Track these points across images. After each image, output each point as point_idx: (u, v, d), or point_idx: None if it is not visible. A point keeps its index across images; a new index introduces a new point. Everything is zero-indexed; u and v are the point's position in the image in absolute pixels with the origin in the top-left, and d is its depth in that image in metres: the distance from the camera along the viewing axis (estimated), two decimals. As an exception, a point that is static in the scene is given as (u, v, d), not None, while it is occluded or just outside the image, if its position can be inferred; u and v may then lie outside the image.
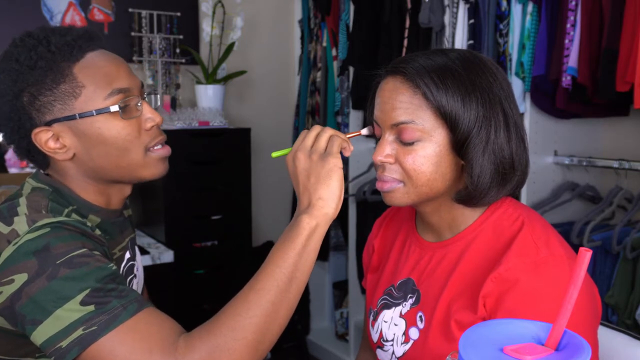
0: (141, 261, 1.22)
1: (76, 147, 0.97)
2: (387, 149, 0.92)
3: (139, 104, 1.00)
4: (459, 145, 0.89)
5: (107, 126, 0.96)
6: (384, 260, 1.12)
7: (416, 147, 0.90)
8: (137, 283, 1.13)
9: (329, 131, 0.94)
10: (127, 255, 1.09)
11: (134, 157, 1.00)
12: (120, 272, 1.04)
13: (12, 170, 2.44)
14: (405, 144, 0.91)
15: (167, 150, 1.07)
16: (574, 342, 0.47)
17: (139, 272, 1.18)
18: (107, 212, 1.04)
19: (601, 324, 1.03)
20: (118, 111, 0.96)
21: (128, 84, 0.99)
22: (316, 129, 0.95)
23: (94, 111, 0.95)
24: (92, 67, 0.96)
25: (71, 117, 0.95)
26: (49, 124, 0.95)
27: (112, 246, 1.03)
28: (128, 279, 1.07)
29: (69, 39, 0.95)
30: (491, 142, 0.89)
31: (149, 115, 1.01)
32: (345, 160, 2.85)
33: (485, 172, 0.90)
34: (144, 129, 1.01)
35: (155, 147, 1.03)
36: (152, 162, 1.03)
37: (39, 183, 1.00)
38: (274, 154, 1.01)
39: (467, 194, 0.92)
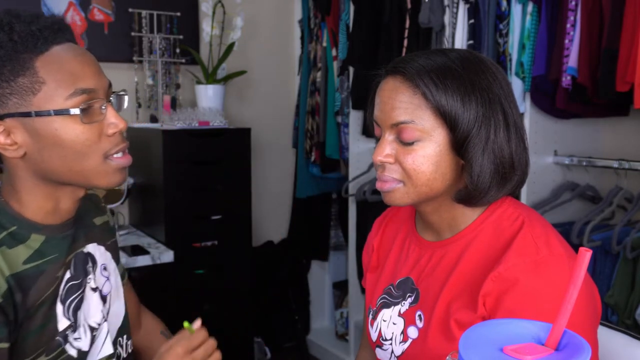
0: (114, 271, 1.13)
1: (28, 146, 0.89)
2: (387, 148, 0.92)
3: (104, 107, 0.92)
4: (459, 144, 0.89)
5: (65, 128, 0.88)
6: (383, 259, 1.12)
7: (416, 147, 0.90)
8: (90, 302, 1.03)
9: (214, 344, 1.02)
10: (67, 275, 0.98)
11: (90, 163, 0.92)
12: (60, 293, 0.96)
13: None
14: (405, 143, 0.91)
15: (127, 160, 0.97)
16: (574, 342, 0.47)
17: (111, 283, 1.09)
18: (52, 228, 0.96)
19: (601, 324, 1.03)
20: (79, 114, 0.88)
21: (94, 84, 0.91)
22: (206, 335, 1.01)
23: (52, 111, 0.87)
24: (56, 62, 0.88)
25: (26, 114, 0.87)
26: (1, 117, 0.88)
27: (56, 268, 0.95)
28: (68, 302, 0.98)
29: (35, 28, 0.87)
30: (491, 141, 0.89)
31: (113, 120, 0.93)
32: (345, 161, 2.85)
33: (485, 172, 0.90)
34: (105, 134, 0.93)
35: (115, 155, 0.95)
36: (109, 171, 0.94)
37: None
38: (186, 324, 1.01)
39: (467, 193, 0.92)
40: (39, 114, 0.87)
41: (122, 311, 1.13)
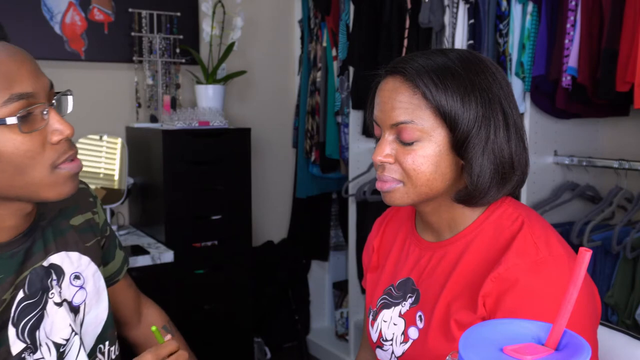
0: (93, 275, 1.05)
1: None
2: (387, 149, 0.92)
3: (45, 112, 0.83)
4: (459, 145, 0.89)
5: (2, 140, 0.79)
6: (383, 260, 1.12)
7: (416, 147, 0.90)
8: (54, 318, 0.95)
9: (185, 355, 0.99)
10: (20, 295, 0.90)
11: (35, 176, 0.83)
12: (11, 316, 0.89)
13: None
14: (405, 143, 0.91)
15: (77, 165, 0.88)
16: (574, 342, 0.47)
17: (86, 291, 1.02)
18: None
19: (601, 324, 1.03)
20: (16, 123, 0.78)
21: (32, 88, 0.81)
22: (177, 345, 0.99)
23: None
24: None
25: None
26: None
27: (2, 292, 0.88)
28: (22, 323, 0.90)
29: None
30: (490, 141, 0.89)
31: (57, 126, 0.83)
32: (345, 161, 2.85)
33: (484, 172, 0.90)
34: (49, 142, 0.83)
35: (64, 164, 0.86)
36: (59, 181, 0.85)
37: None
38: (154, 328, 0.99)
39: (467, 193, 0.92)
40: None
41: (104, 316, 1.06)
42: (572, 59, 1.87)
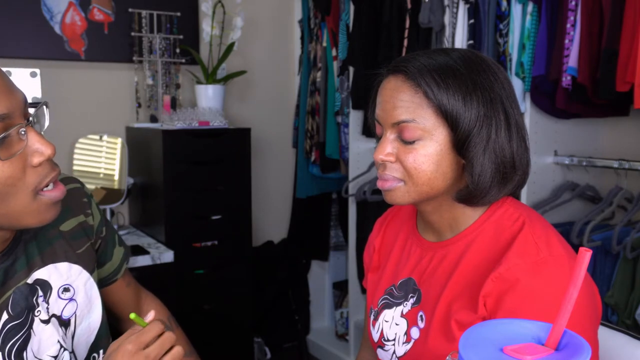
0: (85, 284, 1.01)
1: None
2: (388, 147, 0.92)
3: (23, 131, 0.76)
4: (460, 144, 0.89)
5: None
6: (384, 259, 1.12)
7: (417, 146, 0.90)
8: (41, 336, 0.91)
9: (172, 338, 0.87)
10: (4, 317, 0.86)
11: (17, 204, 0.78)
12: None
13: None
14: (406, 142, 0.91)
15: (60, 192, 0.84)
16: (574, 342, 0.47)
17: (77, 302, 0.98)
18: None
19: (601, 324, 1.03)
20: None
21: (6, 108, 0.74)
22: (162, 328, 0.87)
23: None
24: None
25: None
26: None
27: None
28: (8, 346, 0.87)
29: None
30: (492, 141, 0.89)
31: (37, 146, 0.77)
32: (345, 161, 2.85)
33: (485, 171, 0.90)
34: (30, 165, 0.78)
35: (46, 189, 0.81)
36: (41, 209, 0.81)
37: None
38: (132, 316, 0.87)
39: (468, 193, 0.92)
40: None
41: (96, 325, 1.04)
42: (572, 59, 1.87)
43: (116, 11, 2.67)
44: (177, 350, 0.86)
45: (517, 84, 2.01)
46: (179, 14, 2.79)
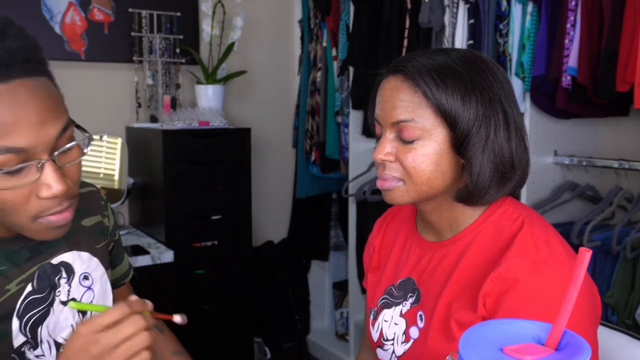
0: (101, 278, 1.03)
1: None
2: (388, 147, 0.93)
3: (40, 164, 0.76)
4: (459, 143, 0.89)
5: None
6: (384, 259, 1.13)
7: (416, 146, 0.90)
8: (59, 316, 0.93)
9: (138, 323, 0.76)
10: (28, 288, 0.89)
11: (17, 221, 0.79)
12: (17, 308, 0.87)
13: None
14: (406, 142, 0.91)
15: (63, 218, 0.82)
16: (574, 342, 0.47)
17: (94, 292, 1.00)
18: (7, 239, 0.87)
19: (601, 323, 1.03)
20: None
21: (27, 143, 0.74)
22: (125, 311, 0.76)
23: None
24: None
25: None
26: None
27: (7, 280, 0.87)
28: (26, 317, 0.89)
29: None
30: (491, 140, 0.90)
31: (49, 182, 0.77)
32: (345, 161, 2.86)
33: (484, 171, 0.90)
34: (36, 195, 0.77)
35: (48, 216, 0.80)
36: (40, 229, 0.81)
37: None
38: (73, 305, 0.82)
39: (467, 192, 0.92)
40: None
41: None
42: (572, 59, 1.87)
43: (116, 11, 2.67)
44: (143, 339, 0.76)
45: (517, 84, 2.01)
46: (179, 14, 2.79)
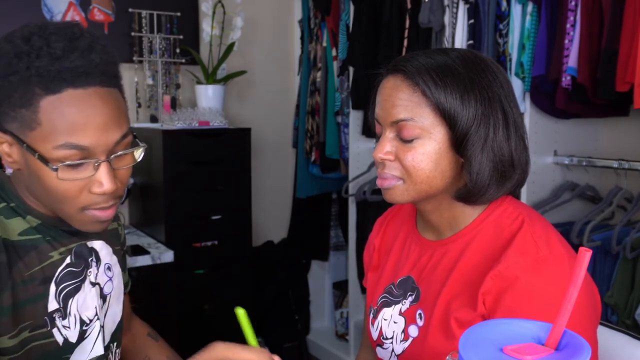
0: (118, 275, 1.11)
1: (21, 165, 0.88)
2: (387, 146, 0.93)
3: (98, 163, 0.87)
4: (458, 142, 0.90)
5: (46, 175, 0.85)
6: (384, 258, 1.13)
7: (415, 145, 0.91)
8: (87, 294, 1.01)
9: None
10: (67, 260, 0.98)
11: (66, 209, 0.89)
12: (56, 275, 0.95)
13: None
14: (405, 141, 0.91)
15: (107, 215, 0.92)
16: (573, 342, 0.47)
17: (113, 284, 1.08)
18: (50, 218, 0.95)
19: (601, 323, 1.03)
20: (56, 171, 0.84)
21: (90, 142, 0.84)
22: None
23: (37, 154, 0.83)
24: (60, 107, 0.82)
25: (21, 142, 0.85)
26: (5, 131, 0.86)
27: (52, 248, 0.96)
28: (62, 285, 0.96)
29: (55, 67, 0.81)
30: (490, 139, 0.90)
31: (101, 180, 0.87)
32: (345, 161, 2.85)
33: (483, 170, 0.90)
34: (87, 189, 0.87)
35: (95, 210, 0.90)
36: (85, 220, 0.91)
37: None
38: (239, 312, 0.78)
39: (466, 191, 0.93)
40: (28, 148, 0.84)
41: (119, 317, 1.11)
42: (572, 59, 1.87)
43: (116, 11, 2.67)
44: None
45: (517, 84, 2.01)
46: (179, 14, 2.79)
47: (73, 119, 0.83)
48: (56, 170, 0.84)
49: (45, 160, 0.84)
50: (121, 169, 0.92)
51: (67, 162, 0.84)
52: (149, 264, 2.25)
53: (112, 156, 0.89)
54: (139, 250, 2.30)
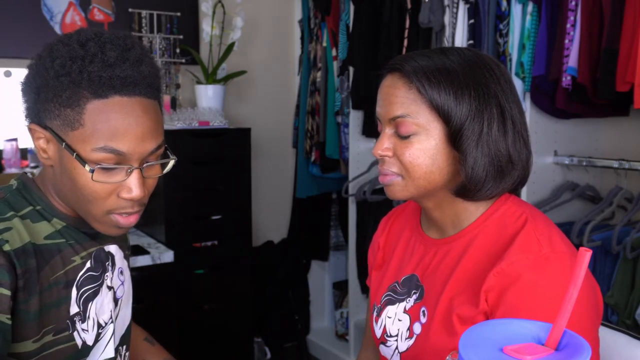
0: (128, 279, 1.14)
1: (55, 162, 0.92)
2: (386, 142, 0.95)
3: (130, 170, 0.91)
4: (453, 137, 0.91)
5: (80, 174, 0.89)
6: (388, 257, 1.14)
7: (413, 141, 0.92)
8: (104, 298, 1.04)
9: None
10: (88, 265, 1.01)
11: (91, 210, 0.93)
12: (77, 279, 0.98)
13: (12, 170, 2.44)
14: (403, 137, 0.93)
15: (127, 221, 0.95)
16: (574, 342, 0.47)
17: (124, 288, 1.11)
18: (74, 220, 0.99)
19: (601, 323, 1.03)
20: (91, 173, 0.88)
21: (127, 149, 0.88)
22: None
23: (75, 154, 0.87)
24: (104, 112, 0.87)
25: (60, 140, 0.89)
26: (45, 127, 0.90)
27: (74, 252, 0.98)
28: (82, 289, 0.99)
29: (107, 74, 0.86)
30: (484, 134, 0.91)
31: (130, 185, 0.91)
32: (345, 161, 2.85)
33: (478, 164, 0.91)
34: (116, 193, 0.92)
35: (119, 215, 0.94)
36: (107, 223, 0.94)
37: (16, 180, 0.98)
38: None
39: (463, 186, 0.94)
40: (67, 147, 0.88)
41: (128, 320, 1.13)
42: (572, 59, 1.87)
43: (116, 11, 2.67)
44: None
45: (517, 84, 2.01)
46: (179, 14, 2.79)
47: (115, 124, 0.87)
48: (92, 171, 0.88)
49: (83, 161, 0.87)
50: (150, 178, 0.96)
51: (102, 165, 0.88)
52: (149, 264, 2.25)
53: (145, 165, 0.93)
54: (139, 250, 2.30)
